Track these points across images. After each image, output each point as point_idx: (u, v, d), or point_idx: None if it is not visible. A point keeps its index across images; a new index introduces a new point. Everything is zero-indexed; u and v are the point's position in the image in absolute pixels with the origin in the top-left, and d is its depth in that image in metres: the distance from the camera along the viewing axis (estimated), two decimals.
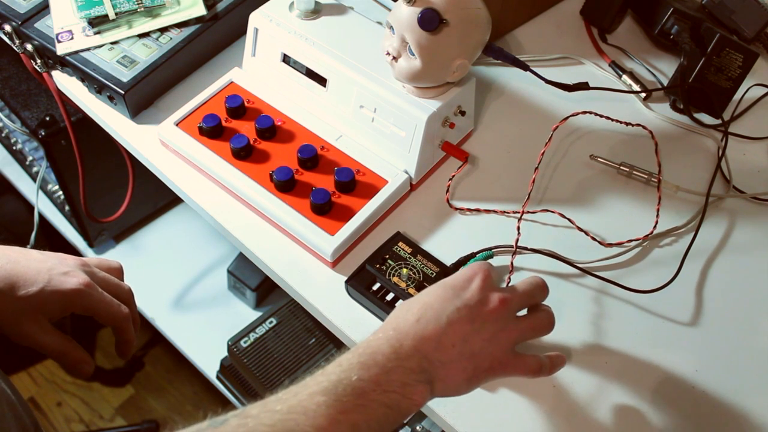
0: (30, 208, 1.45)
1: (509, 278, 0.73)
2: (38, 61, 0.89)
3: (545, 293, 0.65)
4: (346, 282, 0.74)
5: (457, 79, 0.77)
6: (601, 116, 0.80)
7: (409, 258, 0.74)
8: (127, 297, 0.76)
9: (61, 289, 0.70)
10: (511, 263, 0.74)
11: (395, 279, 0.73)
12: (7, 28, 0.89)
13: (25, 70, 0.95)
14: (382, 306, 0.71)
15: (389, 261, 0.74)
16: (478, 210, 0.80)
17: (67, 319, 0.72)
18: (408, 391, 0.55)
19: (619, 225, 0.79)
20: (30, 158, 1.42)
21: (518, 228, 0.74)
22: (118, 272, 0.79)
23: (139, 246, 1.47)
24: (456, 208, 0.80)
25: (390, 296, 0.72)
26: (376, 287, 0.73)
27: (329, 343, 1.26)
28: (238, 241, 0.78)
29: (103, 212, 1.22)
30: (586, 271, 0.75)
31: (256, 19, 0.84)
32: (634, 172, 0.83)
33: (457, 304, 0.59)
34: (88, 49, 0.86)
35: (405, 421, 0.99)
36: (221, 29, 0.91)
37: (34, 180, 1.38)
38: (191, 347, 1.37)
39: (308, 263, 0.76)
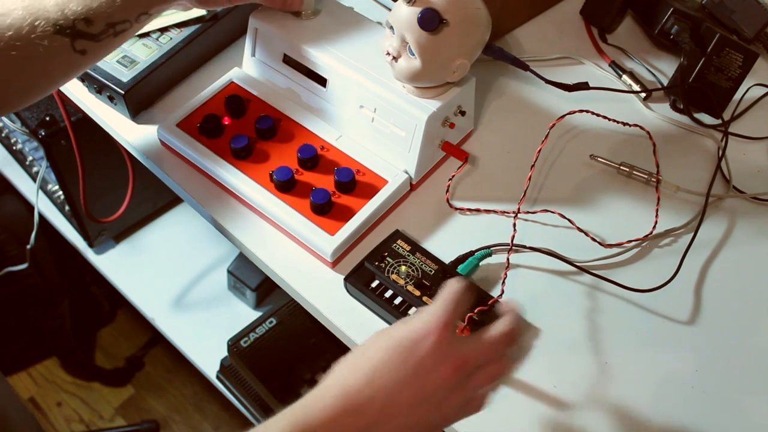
0: (30, 208, 1.45)
1: (505, 274, 0.73)
2: None
3: (515, 343, 0.59)
4: (345, 279, 0.74)
5: (457, 79, 0.77)
6: (597, 115, 0.80)
7: (408, 255, 0.74)
8: None
9: None
10: (507, 260, 0.74)
11: (394, 276, 0.73)
12: None
13: None
14: (380, 303, 0.71)
15: (388, 258, 0.74)
16: (478, 210, 0.80)
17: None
18: None
19: (618, 225, 0.79)
20: (30, 158, 1.42)
21: (514, 224, 0.74)
22: None
23: (139, 246, 1.47)
24: (456, 208, 0.80)
25: (389, 293, 0.72)
26: (374, 284, 0.73)
27: (329, 343, 1.26)
28: (238, 241, 0.78)
29: (103, 212, 1.22)
30: (585, 270, 0.75)
31: (256, 19, 0.85)
32: (634, 172, 0.83)
33: (407, 371, 0.55)
34: None
35: None
36: (221, 29, 0.91)
37: (34, 180, 1.38)
38: (191, 347, 1.37)
39: (308, 263, 0.76)
